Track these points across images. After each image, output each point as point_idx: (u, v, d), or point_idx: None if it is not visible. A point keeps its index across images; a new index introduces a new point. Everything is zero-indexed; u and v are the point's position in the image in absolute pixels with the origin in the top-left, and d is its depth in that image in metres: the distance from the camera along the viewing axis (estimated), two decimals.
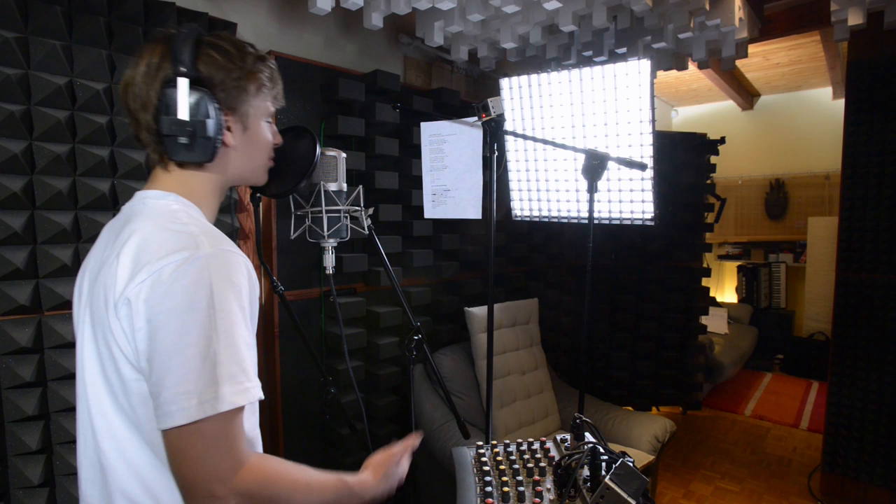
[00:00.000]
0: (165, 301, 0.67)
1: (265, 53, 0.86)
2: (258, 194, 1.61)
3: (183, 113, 0.74)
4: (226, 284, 0.70)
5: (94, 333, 0.76)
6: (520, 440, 1.30)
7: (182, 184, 0.81)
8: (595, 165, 1.56)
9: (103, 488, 0.76)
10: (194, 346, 0.66)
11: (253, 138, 0.86)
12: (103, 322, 0.73)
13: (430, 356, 1.77)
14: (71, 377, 1.47)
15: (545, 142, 1.73)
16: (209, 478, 0.66)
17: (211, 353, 0.67)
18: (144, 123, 0.77)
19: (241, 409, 0.70)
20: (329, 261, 1.73)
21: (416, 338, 1.67)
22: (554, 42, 2.50)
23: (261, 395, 0.72)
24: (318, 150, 1.52)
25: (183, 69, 0.74)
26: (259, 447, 0.85)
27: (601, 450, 1.03)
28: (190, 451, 0.66)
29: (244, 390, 0.69)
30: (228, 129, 0.81)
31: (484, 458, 1.25)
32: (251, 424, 0.81)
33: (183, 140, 0.75)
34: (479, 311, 2.42)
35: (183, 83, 0.74)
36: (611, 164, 1.59)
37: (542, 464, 1.19)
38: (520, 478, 1.15)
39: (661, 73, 2.91)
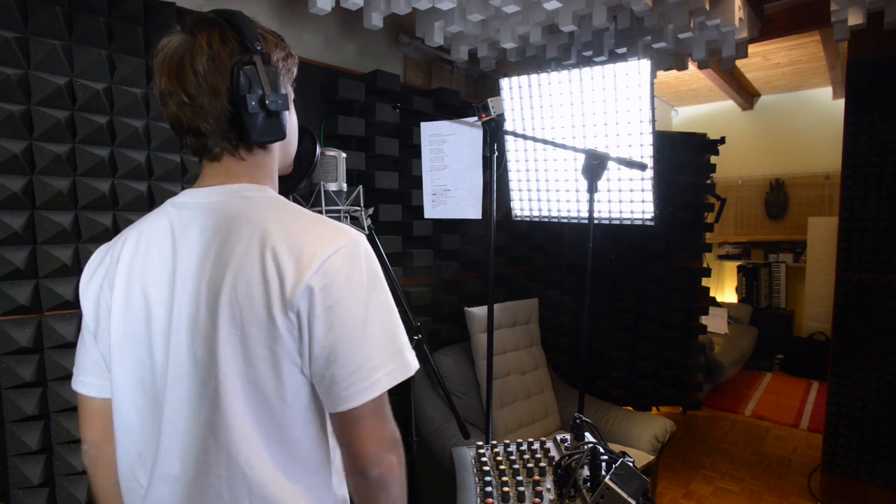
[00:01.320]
0: (344, 287, 0.70)
1: None
2: None
3: (266, 89, 0.73)
4: (378, 264, 0.75)
5: (239, 339, 0.70)
6: (520, 440, 1.30)
7: (262, 172, 0.80)
8: (595, 165, 1.56)
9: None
10: (379, 324, 0.71)
11: (293, 121, 0.86)
12: (259, 323, 0.69)
13: (430, 356, 1.77)
14: (71, 377, 1.46)
15: (545, 142, 1.73)
16: (392, 436, 0.73)
17: (392, 327, 0.73)
18: (213, 110, 0.72)
19: None
20: None
21: (416, 338, 1.67)
22: (554, 42, 2.50)
23: (418, 365, 0.77)
24: (319, 149, 1.52)
25: (259, 47, 0.73)
26: None
27: (601, 450, 1.03)
28: (381, 418, 0.72)
29: (414, 358, 0.75)
30: None
31: (484, 458, 1.25)
32: None
33: (264, 117, 0.74)
34: (479, 311, 2.42)
35: (260, 62, 0.73)
36: (611, 164, 1.59)
37: (542, 464, 1.19)
38: (520, 478, 1.15)
39: (661, 73, 2.91)
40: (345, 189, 1.74)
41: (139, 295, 0.75)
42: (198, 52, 0.70)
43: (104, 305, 0.78)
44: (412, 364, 0.74)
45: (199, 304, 0.71)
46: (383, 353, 0.71)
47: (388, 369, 0.71)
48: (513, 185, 2.25)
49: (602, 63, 1.98)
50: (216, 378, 0.70)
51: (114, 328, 0.77)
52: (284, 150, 0.86)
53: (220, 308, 0.69)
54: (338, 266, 0.69)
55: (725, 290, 5.86)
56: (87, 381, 0.83)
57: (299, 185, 1.52)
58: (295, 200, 1.79)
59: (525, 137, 2.07)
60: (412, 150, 2.29)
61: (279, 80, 0.76)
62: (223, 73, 0.71)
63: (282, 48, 0.79)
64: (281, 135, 0.77)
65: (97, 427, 0.85)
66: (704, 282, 3.34)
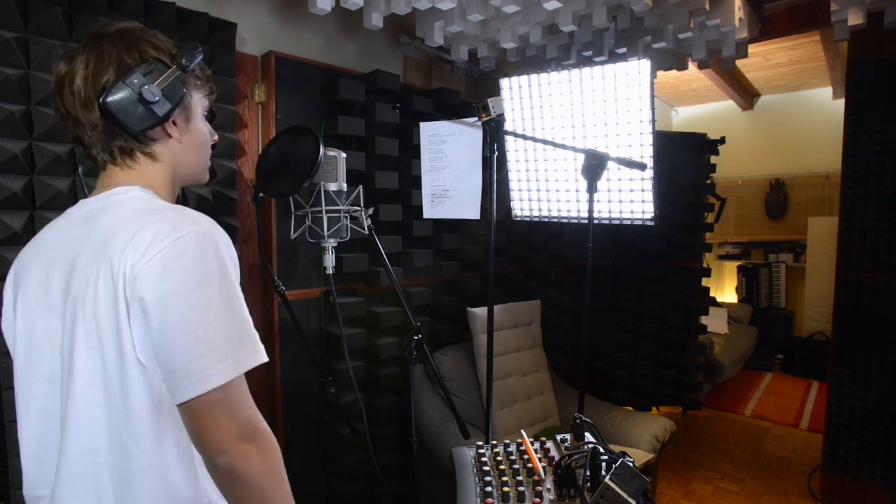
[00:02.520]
0: (181, 275, 0.69)
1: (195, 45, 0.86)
2: (261, 195, 1.61)
3: (131, 88, 0.76)
4: (227, 256, 0.75)
5: (87, 330, 0.73)
6: (520, 440, 1.30)
7: (138, 175, 0.82)
8: (595, 165, 1.56)
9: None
10: (215, 313, 0.71)
11: (195, 133, 0.88)
12: (106, 314, 0.72)
13: (431, 356, 1.77)
14: None
15: (545, 142, 1.73)
16: (243, 427, 0.72)
17: (230, 318, 0.72)
18: (88, 121, 0.77)
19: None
20: (329, 261, 1.73)
21: (416, 338, 1.67)
22: (554, 42, 2.50)
23: (266, 358, 0.77)
24: (322, 150, 1.52)
25: (137, 60, 0.77)
26: None
27: (601, 450, 1.03)
28: (222, 410, 0.70)
29: (258, 350, 0.75)
30: (174, 122, 0.83)
31: (484, 458, 1.25)
32: None
33: (132, 109, 0.76)
34: (482, 312, 2.42)
35: (140, 72, 0.77)
36: (611, 164, 1.59)
37: (543, 464, 1.19)
38: (520, 478, 1.15)
39: (661, 73, 2.91)
40: (345, 189, 1.74)
41: (28, 300, 0.81)
42: (77, 68, 0.76)
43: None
44: (251, 359, 0.73)
45: (64, 306, 0.75)
46: (218, 347, 0.70)
47: (224, 364, 0.70)
48: (513, 185, 2.25)
49: (602, 63, 1.98)
50: (72, 378, 0.73)
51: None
52: (182, 160, 0.87)
53: (72, 306, 0.74)
54: (176, 252, 0.69)
55: (725, 290, 5.87)
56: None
57: (302, 186, 1.52)
58: (295, 200, 1.79)
59: (525, 137, 2.07)
60: (412, 150, 2.29)
61: (162, 79, 0.78)
62: (95, 86, 0.75)
63: (174, 63, 0.80)
64: (153, 119, 0.78)
65: None
66: (704, 282, 3.34)
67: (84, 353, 0.73)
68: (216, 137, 0.95)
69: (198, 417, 0.70)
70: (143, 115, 0.77)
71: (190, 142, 0.87)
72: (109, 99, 0.75)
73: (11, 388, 1.38)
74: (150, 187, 0.82)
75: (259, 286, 2.01)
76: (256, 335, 0.75)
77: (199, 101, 0.87)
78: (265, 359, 0.75)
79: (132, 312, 0.70)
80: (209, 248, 0.72)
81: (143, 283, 0.69)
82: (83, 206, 0.81)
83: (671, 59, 2.62)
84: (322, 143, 1.53)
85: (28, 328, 0.79)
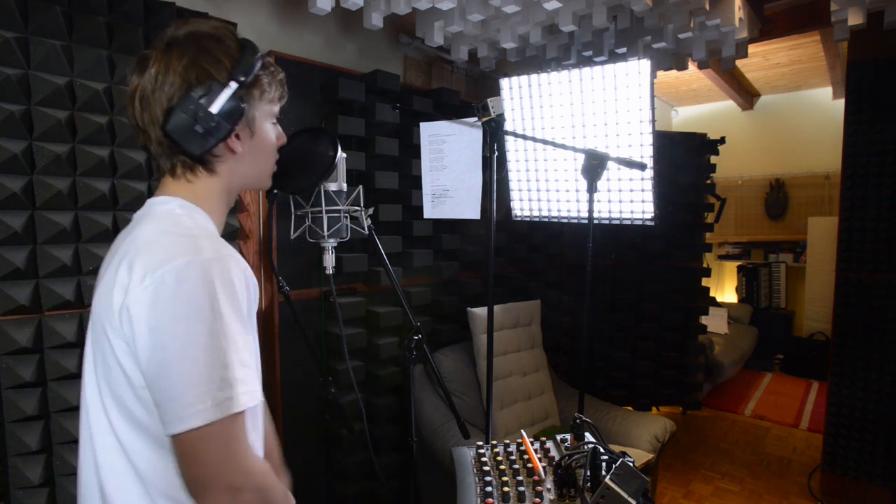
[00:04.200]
0: (170, 307, 0.67)
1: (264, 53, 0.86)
2: (276, 191, 1.62)
3: (187, 115, 0.76)
4: (228, 290, 0.71)
5: (93, 348, 0.76)
6: (519, 440, 1.30)
7: (189, 188, 0.82)
8: (595, 165, 1.56)
9: None
10: (203, 349, 0.67)
11: (259, 143, 0.86)
12: (105, 334, 0.73)
13: (431, 356, 1.77)
14: (71, 377, 1.47)
15: (545, 142, 1.73)
16: (229, 472, 0.69)
17: (220, 356, 0.68)
18: (154, 136, 0.79)
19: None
20: (329, 261, 1.73)
21: (416, 338, 1.67)
22: (554, 42, 2.50)
23: (262, 398, 0.76)
24: (340, 152, 1.54)
25: (202, 75, 0.77)
26: (261, 453, 0.85)
27: (601, 450, 1.03)
28: (206, 450, 0.68)
29: (252, 391, 0.72)
30: (237, 136, 0.82)
31: (484, 458, 1.25)
32: (256, 431, 0.84)
33: (190, 134, 0.77)
34: (482, 312, 2.42)
35: (203, 88, 0.77)
36: (611, 164, 1.59)
37: (543, 464, 1.19)
38: (520, 478, 1.15)
39: (661, 73, 2.91)
40: (345, 189, 1.74)
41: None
42: (147, 86, 0.77)
43: None
44: (231, 406, 0.68)
45: (97, 314, 0.78)
46: (200, 389, 0.66)
47: (217, 400, 0.67)
48: (513, 185, 2.25)
49: (602, 63, 1.98)
50: (85, 398, 0.78)
51: None
52: (244, 170, 0.86)
53: (92, 322, 0.78)
54: (168, 282, 0.68)
55: (725, 290, 5.86)
56: None
57: (320, 181, 1.54)
58: (295, 200, 1.79)
59: (525, 137, 2.07)
60: (412, 150, 2.29)
61: (218, 101, 0.77)
62: (158, 107, 0.76)
63: (231, 78, 0.78)
64: (206, 145, 0.78)
65: None
66: (704, 282, 3.34)
67: (89, 359, 0.76)
68: (284, 139, 0.92)
69: (182, 453, 0.69)
70: (201, 139, 0.77)
71: (253, 151, 0.86)
72: (169, 126, 0.76)
73: (11, 388, 1.39)
74: (199, 200, 0.82)
75: (257, 291, 2.01)
76: (245, 377, 0.71)
77: (263, 110, 0.85)
78: (254, 402, 0.71)
79: (123, 337, 0.71)
80: (209, 284, 0.69)
81: (134, 312, 0.69)
82: (138, 213, 0.84)
83: (671, 59, 2.62)
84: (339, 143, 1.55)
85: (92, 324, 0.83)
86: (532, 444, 1.28)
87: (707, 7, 1.95)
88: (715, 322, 4.56)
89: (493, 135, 1.67)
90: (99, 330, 0.75)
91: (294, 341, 2.02)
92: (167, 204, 0.81)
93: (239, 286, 0.73)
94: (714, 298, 5.26)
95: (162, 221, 0.77)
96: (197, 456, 0.68)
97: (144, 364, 0.69)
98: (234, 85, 0.78)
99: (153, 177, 1.61)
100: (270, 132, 0.88)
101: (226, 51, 0.79)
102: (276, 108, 0.89)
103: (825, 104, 5.13)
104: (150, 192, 1.60)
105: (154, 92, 0.76)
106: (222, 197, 0.86)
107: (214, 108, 0.76)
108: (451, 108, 2.51)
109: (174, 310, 0.67)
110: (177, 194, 0.82)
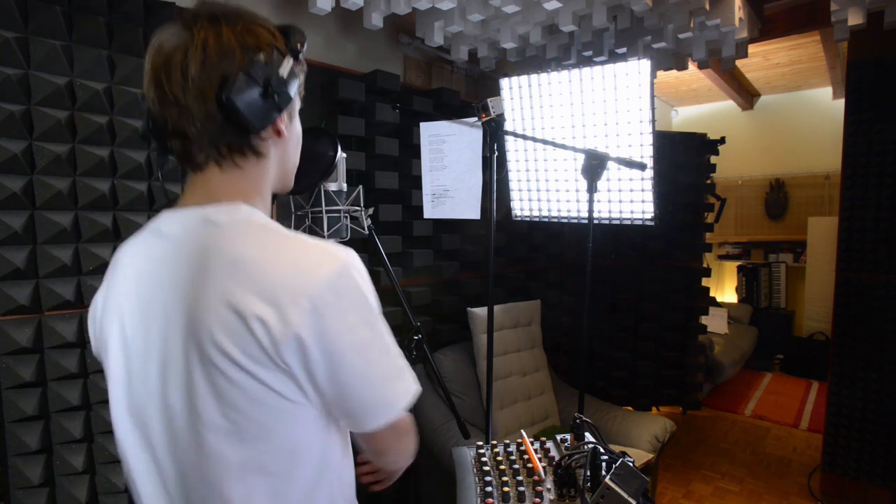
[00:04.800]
0: (339, 322, 0.63)
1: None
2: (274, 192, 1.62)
3: (256, 81, 0.66)
4: (369, 284, 0.69)
5: (213, 383, 0.62)
6: (520, 440, 1.30)
7: (249, 186, 0.72)
8: (595, 165, 1.56)
9: None
10: (379, 351, 0.69)
11: (295, 132, 0.78)
12: (238, 378, 0.62)
13: (431, 356, 1.77)
14: (71, 377, 1.47)
15: (545, 142, 1.73)
16: (413, 449, 0.82)
17: (392, 351, 0.71)
18: (202, 112, 0.65)
19: None
20: None
21: (416, 338, 1.67)
22: (554, 42, 2.50)
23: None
24: (340, 151, 1.54)
25: (255, 49, 0.67)
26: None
27: (601, 450, 1.03)
28: (402, 435, 0.78)
29: (414, 376, 0.75)
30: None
31: (484, 458, 1.25)
32: None
33: (257, 104, 0.66)
34: (482, 312, 2.42)
35: (258, 63, 0.67)
36: (611, 164, 1.59)
37: (543, 464, 1.19)
38: (520, 478, 1.15)
39: (661, 73, 2.91)
40: (345, 189, 1.74)
41: (121, 334, 0.70)
42: (190, 51, 0.64)
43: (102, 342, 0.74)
44: (414, 389, 0.73)
45: (173, 356, 0.64)
46: (396, 377, 0.70)
47: (406, 390, 0.71)
48: (513, 185, 2.25)
49: (602, 63, 1.98)
50: (197, 432, 0.64)
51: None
52: (282, 161, 0.77)
53: (195, 362, 0.62)
54: (329, 302, 0.61)
55: (725, 290, 5.86)
56: None
57: (320, 182, 1.54)
58: (295, 200, 1.79)
59: (525, 137, 2.07)
60: (412, 150, 2.29)
61: (284, 68, 0.69)
62: (213, 75, 0.64)
63: (287, 50, 0.72)
64: (267, 120, 0.69)
65: None
66: (704, 282, 3.34)
67: (211, 402, 0.63)
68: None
69: (377, 442, 0.76)
70: (266, 109, 0.67)
71: (291, 139, 0.77)
72: (232, 93, 0.64)
73: (11, 388, 1.39)
74: (248, 196, 0.71)
75: None
76: (406, 365, 0.74)
77: (297, 98, 0.75)
78: (419, 389, 0.75)
79: (282, 374, 0.63)
80: (365, 281, 0.67)
81: (297, 345, 0.61)
82: (176, 224, 0.69)
83: (671, 59, 2.62)
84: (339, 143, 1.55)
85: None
86: (532, 444, 1.28)
87: (707, 7, 1.95)
88: (715, 322, 4.56)
89: (493, 135, 1.67)
90: (224, 377, 0.62)
91: None
92: (238, 213, 0.68)
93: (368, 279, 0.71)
94: (714, 298, 5.26)
95: (259, 235, 0.66)
96: (396, 440, 0.78)
97: (324, 389, 0.65)
98: (290, 55, 0.70)
99: (153, 177, 1.61)
100: (299, 123, 0.80)
101: (270, 26, 0.72)
102: (299, 98, 0.78)
103: (825, 104, 5.13)
104: (150, 192, 1.60)
105: (205, 62, 0.64)
106: (268, 190, 0.76)
107: (282, 75, 0.68)
108: (451, 108, 2.51)
109: (344, 324, 0.63)
110: (232, 196, 0.70)
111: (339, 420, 0.71)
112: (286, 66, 0.69)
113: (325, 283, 0.62)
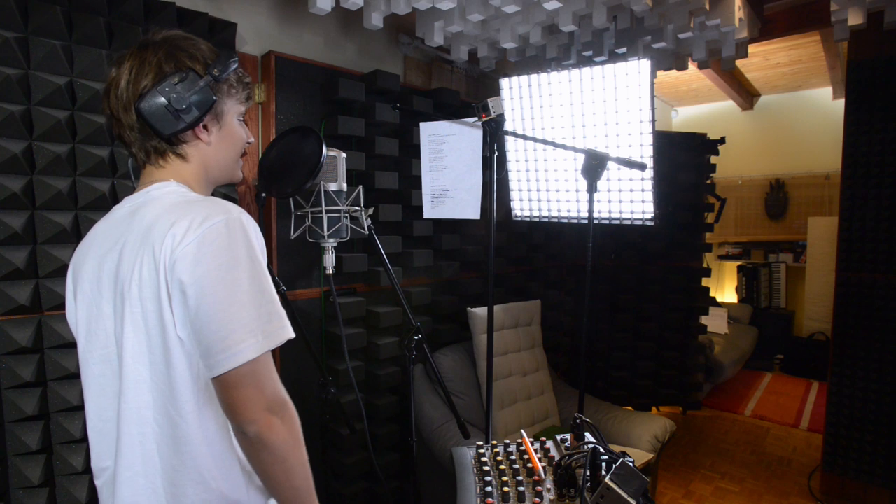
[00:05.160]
0: (213, 258, 0.76)
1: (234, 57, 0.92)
2: (263, 195, 1.61)
3: (162, 96, 0.82)
4: (255, 240, 0.82)
5: (132, 312, 0.80)
6: (519, 440, 1.30)
7: (175, 173, 0.89)
8: (595, 165, 1.56)
9: (163, 476, 0.81)
10: (247, 293, 0.77)
11: (227, 136, 0.94)
12: (149, 296, 0.78)
13: (430, 356, 1.77)
14: (71, 377, 1.47)
15: (545, 142, 1.73)
16: (270, 400, 0.79)
17: (260, 296, 0.79)
18: (127, 122, 0.85)
19: None
20: (329, 261, 1.73)
21: (416, 338, 1.67)
22: (554, 42, 2.50)
23: (293, 334, 0.84)
24: (325, 150, 1.52)
25: (173, 69, 0.84)
26: None
27: (601, 450, 1.03)
28: (252, 384, 0.77)
29: (286, 325, 0.82)
30: (205, 126, 0.89)
31: (484, 458, 1.25)
32: None
33: (162, 115, 0.83)
34: (482, 312, 2.42)
35: (173, 79, 0.84)
36: (611, 164, 1.59)
37: (543, 464, 1.19)
38: (520, 478, 1.15)
39: (661, 73, 2.91)
40: (345, 189, 1.74)
41: (83, 287, 0.89)
42: (122, 73, 0.84)
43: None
44: (280, 335, 0.80)
45: (95, 296, 0.85)
46: (249, 324, 0.76)
47: (255, 339, 0.76)
48: (513, 185, 2.25)
49: (602, 63, 1.98)
50: (124, 364, 0.81)
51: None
52: (210, 161, 0.92)
53: (125, 291, 0.80)
54: (209, 238, 0.76)
55: (725, 290, 5.86)
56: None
57: (305, 186, 1.53)
58: (295, 200, 1.79)
59: (525, 137, 2.07)
60: (412, 150, 2.29)
61: (193, 88, 0.84)
62: (134, 92, 0.83)
63: (206, 73, 0.86)
64: (174, 127, 0.84)
65: None
66: (704, 282, 3.34)
67: (131, 333, 0.80)
68: (252, 139, 0.99)
69: (230, 390, 0.76)
70: (171, 120, 0.84)
71: (220, 144, 0.93)
72: (142, 104, 0.82)
73: (11, 388, 1.39)
74: (185, 183, 0.89)
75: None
76: (284, 313, 0.82)
77: (232, 107, 0.93)
78: (292, 334, 0.82)
79: (172, 293, 0.77)
80: (239, 233, 0.78)
81: (182, 267, 0.75)
82: (127, 203, 0.89)
83: (671, 59, 2.62)
84: (324, 143, 1.53)
85: (87, 315, 0.87)
86: (532, 444, 1.28)
87: (707, 7, 1.95)
88: (715, 322, 4.57)
89: (493, 135, 1.67)
90: (131, 297, 0.79)
91: (294, 341, 2.01)
92: (167, 186, 0.87)
93: (260, 238, 0.84)
94: (714, 298, 5.26)
95: (172, 196, 0.84)
96: (244, 387, 0.76)
97: (193, 313, 0.76)
98: (207, 78, 0.86)
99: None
100: (238, 127, 0.96)
101: (200, 50, 0.88)
102: (244, 109, 0.97)
103: (825, 104, 5.13)
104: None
105: (129, 82, 0.83)
106: (201, 183, 0.93)
107: (188, 93, 0.84)
108: (451, 108, 2.51)
109: (218, 260, 0.76)
110: (166, 178, 0.88)
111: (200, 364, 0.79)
112: (198, 84, 0.85)
113: (212, 226, 0.77)
